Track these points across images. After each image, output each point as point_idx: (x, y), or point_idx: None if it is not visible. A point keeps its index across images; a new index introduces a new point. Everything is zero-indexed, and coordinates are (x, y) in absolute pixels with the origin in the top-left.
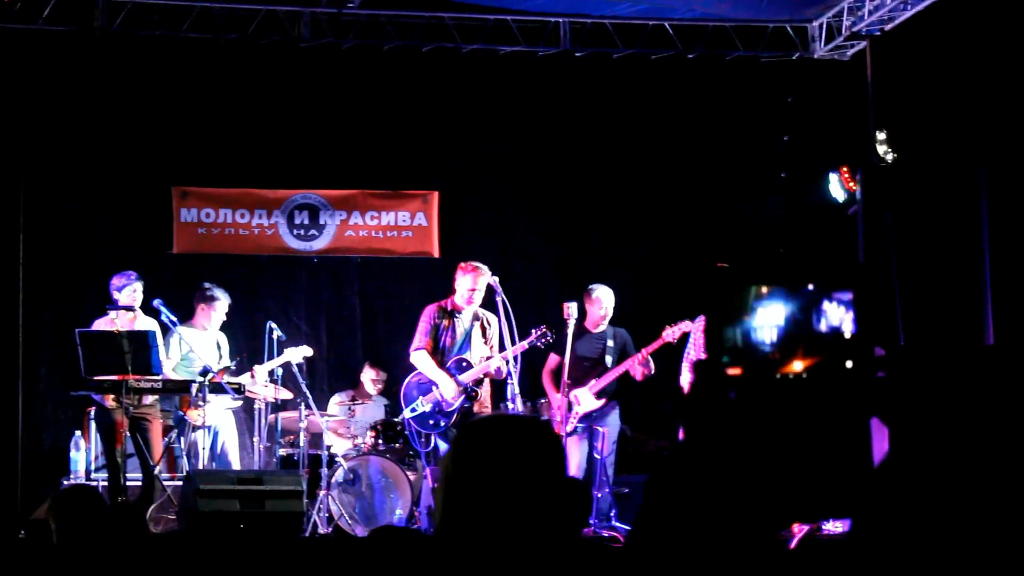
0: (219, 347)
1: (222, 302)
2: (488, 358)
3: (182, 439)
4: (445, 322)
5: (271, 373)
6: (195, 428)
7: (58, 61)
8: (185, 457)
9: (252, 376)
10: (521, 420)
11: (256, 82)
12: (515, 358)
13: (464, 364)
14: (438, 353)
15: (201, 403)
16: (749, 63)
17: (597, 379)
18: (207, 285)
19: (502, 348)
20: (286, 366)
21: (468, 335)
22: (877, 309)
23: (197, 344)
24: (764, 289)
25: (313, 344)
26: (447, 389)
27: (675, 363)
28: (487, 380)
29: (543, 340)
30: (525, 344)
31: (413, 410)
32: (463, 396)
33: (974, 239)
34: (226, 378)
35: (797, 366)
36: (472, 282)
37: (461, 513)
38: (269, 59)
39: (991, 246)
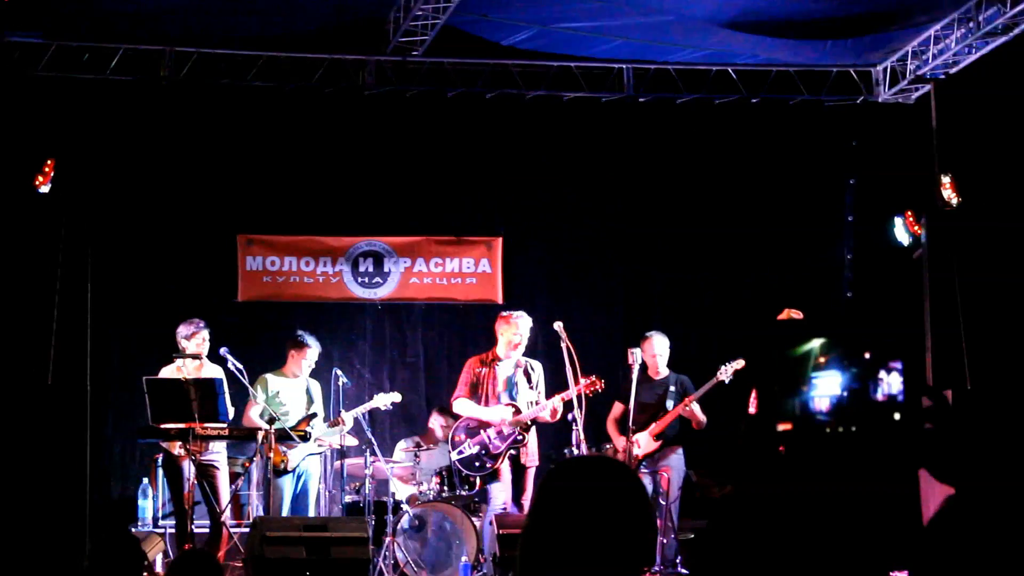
0: (309, 394)
1: (313, 349)
2: (537, 403)
3: (265, 483)
4: (485, 371)
5: (355, 420)
6: (280, 473)
7: (126, 111)
8: (265, 502)
9: (341, 422)
10: (607, 462)
11: (321, 130)
12: (580, 404)
13: (514, 410)
14: (480, 401)
15: (284, 448)
16: (813, 107)
17: (655, 422)
18: (300, 332)
19: (549, 394)
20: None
21: (512, 382)
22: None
23: (285, 391)
24: (822, 359)
25: (376, 391)
26: (498, 415)
27: (740, 407)
28: (533, 428)
29: (591, 389)
30: (575, 392)
31: (460, 452)
32: (513, 432)
33: None
34: (313, 425)
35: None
36: (517, 328)
37: (541, 553)
38: (334, 107)
39: None
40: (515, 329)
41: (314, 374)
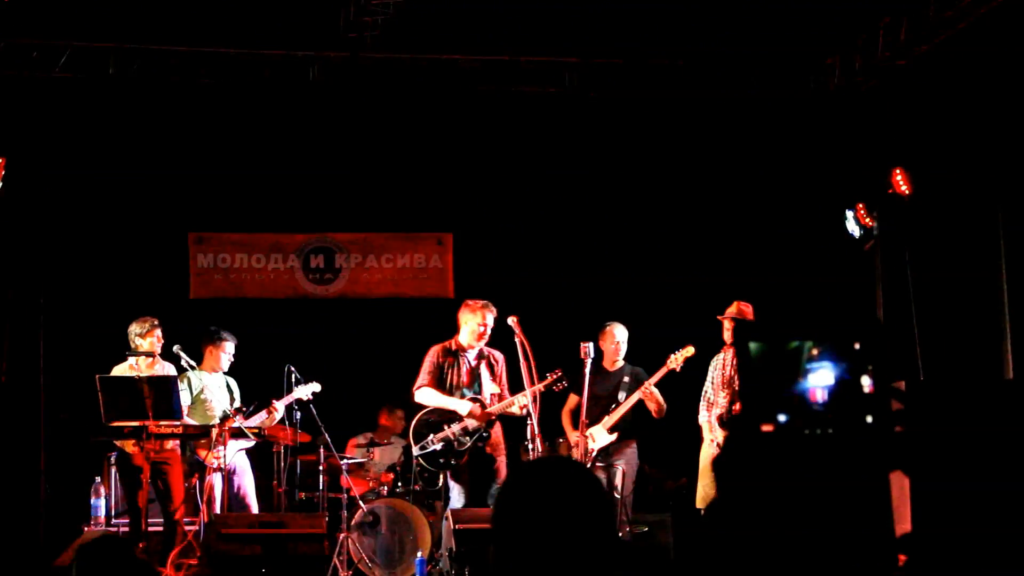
0: (230, 390)
1: (229, 343)
2: (500, 396)
3: (203, 482)
4: (449, 360)
5: (290, 416)
6: (212, 471)
7: (75, 109)
8: (204, 500)
9: (272, 411)
10: (570, 465)
11: (271, 126)
12: (534, 398)
13: (478, 403)
14: (444, 392)
15: (221, 446)
16: (763, 98)
17: (609, 414)
18: (213, 328)
19: (513, 385)
20: (303, 409)
21: (477, 374)
22: (896, 354)
23: (209, 387)
24: (815, 351)
25: (330, 387)
26: (464, 409)
27: (694, 400)
28: (497, 421)
29: (559, 384)
30: (541, 387)
31: (423, 448)
32: (479, 427)
33: (992, 273)
34: (238, 420)
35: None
36: (482, 318)
37: (511, 554)
38: (283, 103)
39: (1010, 279)
40: (479, 319)
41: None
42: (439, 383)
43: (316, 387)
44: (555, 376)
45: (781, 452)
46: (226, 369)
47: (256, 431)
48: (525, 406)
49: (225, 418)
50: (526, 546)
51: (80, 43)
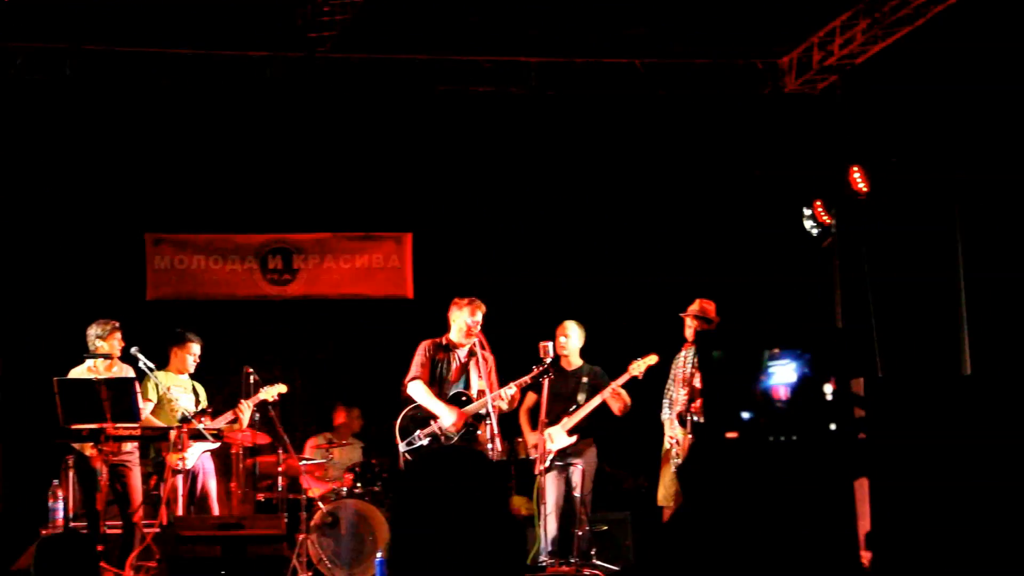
0: (196, 392)
1: (195, 344)
2: (484, 392)
3: (161, 485)
4: (440, 355)
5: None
6: (175, 472)
7: (31, 111)
8: (165, 502)
9: (239, 412)
10: (466, 452)
11: (227, 127)
12: (518, 391)
13: (463, 399)
14: (434, 386)
15: (180, 447)
16: (721, 99)
17: (569, 416)
18: (179, 330)
19: (503, 382)
20: (263, 410)
21: (466, 369)
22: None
23: (175, 389)
24: (776, 348)
25: (289, 388)
26: (448, 418)
27: (653, 400)
28: (495, 415)
29: (546, 375)
30: (527, 379)
31: (409, 444)
32: (465, 428)
33: (949, 269)
34: (204, 423)
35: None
36: (471, 313)
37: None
38: (241, 104)
39: (967, 276)
40: (466, 316)
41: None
42: (430, 376)
43: (282, 388)
44: (542, 368)
45: (746, 459)
46: (192, 371)
47: (215, 432)
48: (515, 398)
49: (184, 421)
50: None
51: (36, 45)
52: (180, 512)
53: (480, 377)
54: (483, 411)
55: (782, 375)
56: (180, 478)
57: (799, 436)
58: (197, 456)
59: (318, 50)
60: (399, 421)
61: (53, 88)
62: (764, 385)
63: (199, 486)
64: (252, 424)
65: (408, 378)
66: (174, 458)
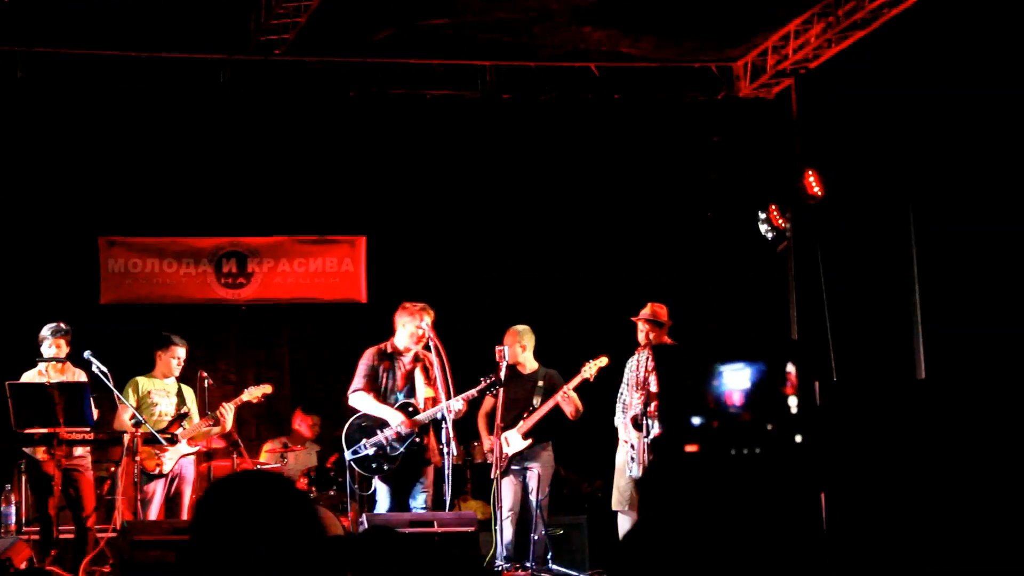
0: (181, 395)
1: (179, 347)
2: (434, 400)
3: (137, 485)
4: (384, 364)
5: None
6: (152, 477)
7: None
8: (140, 504)
9: (221, 414)
10: (267, 477)
11: (181, 130)
12: (468, 401)
13: (410, 408)
14: (379, 396)
15: (158, 452)
16: (675, 103)
17: (525, 419)
18: (164, 334)
19: (444, 390)
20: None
21: (411, 378)
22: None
23: (156, 393)
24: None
25: (241, 391)
26: (395, 419)
27: (607, 403)
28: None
29: (495, 388)
30: (475, 391)
31: (355, 452)
32: (411, 433)
33: (904, 273)
34: (184, 427)
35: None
36: (420, 320)
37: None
38: (194, 107)
39: (920, 279)
40: (418, 321)
41: (181, 376)
42: (374, 386)
43: (267, 389)
44: (490, 380)
45: (707, 472)
46: (177, 374)
47: (168, 437)
48: (461, 411)
49: (137, 425)
50: (221, 555)
51: None
52: (153, 515)
53: (428, 384)
54: (429, 420)
55: (735, 380)
56: (160, 483)
57: (762, 448)
58: (175, 460)
59: (272, 53)
60: (346, 430)
61: (5, 90)
62: (717, 389)
63: (172, 490)
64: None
65: (351, 389)
66: (151, 462)
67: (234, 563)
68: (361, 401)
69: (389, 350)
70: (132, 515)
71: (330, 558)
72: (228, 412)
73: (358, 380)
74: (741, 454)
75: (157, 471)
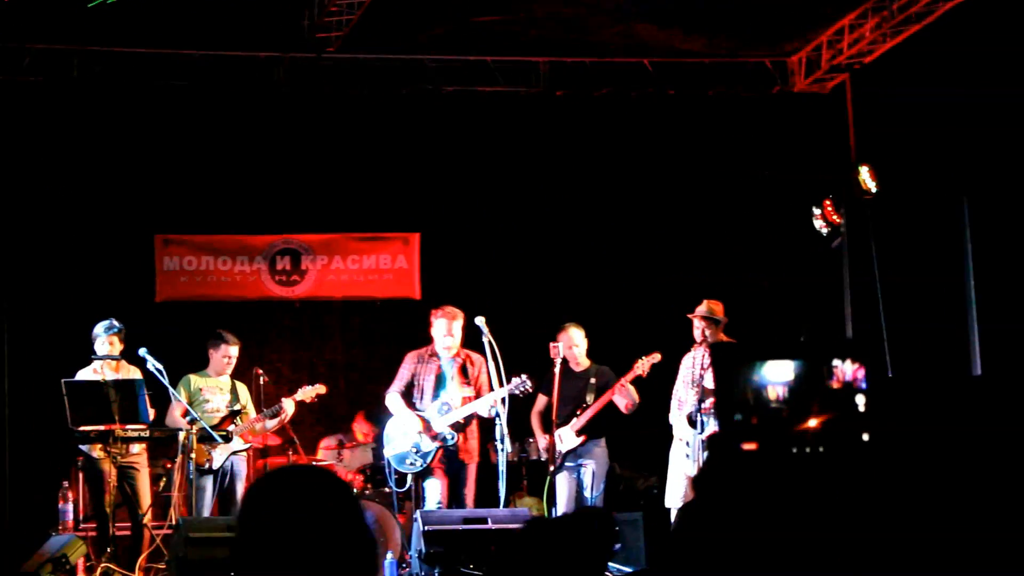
0: (235, 392)
1: (231, 345)
2: (471, 399)
3: (187, 485)
4: (421, 367)
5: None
6: (204, 473)
7: (38, 111)
8: (188, 503)
9: (282, 412)
10: (312, 471)
11: (236, 128)
12: (503, 399)
13: (445, 408)
14: (418, 397)
15: (208, 447)
16: (729, 99)
17: (578, 416)
18: (218, 330)
19: (491, 387)
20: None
21: (443, 379)
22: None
23: (208, 390)
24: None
25: (296, 389)
26: (413, 427)
27: (662, 400)
28: (475, 421)
29: (521, 388)
30: (504, 391)
31: (393, 449)
32: (436, 437)
33: (959, 268)
34: (237, 423)
35: (812, 423)
36: (445, 327)
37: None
38: (249, 105)
39: (976, 274)
40: (440, 327)
41: (235, 373)
42: (408, 389)
43: (321, 389)
44: (520, 380)
45: (767, 471)
46: (229, 372)
47: (222, 434)
48: (494, 405)
49: (192, 422)
50: (268, 550)
51: (43, 46)
52: (207, 513)
53: (467, 384)
54: (463, 420)
55: (776, 373)
56: (210, 479)
57: (826, 447)
58: (225, 457)
59: (326, 51)
60: (385, 428)
61: (61, 89)
62: (757, 384)
63: (227, 487)
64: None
65: (387, 391)
66: (202, 457)
67: (279, 556)
68: (390, 401)
69: (428, 353)
70: (188, 512)
71: (370, 554)
72: (289, 405)
73: (395, 383)
74: (801, 453)
75: (207, 466)
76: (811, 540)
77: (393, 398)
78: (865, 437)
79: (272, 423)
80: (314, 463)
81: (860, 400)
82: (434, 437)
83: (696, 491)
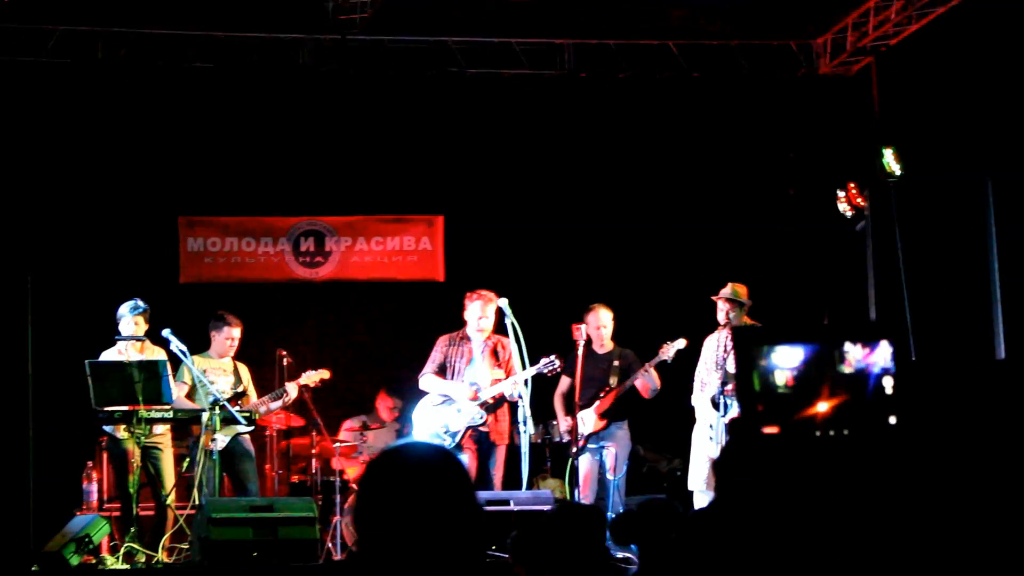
0: (238, 374)
1: (231, 327)
2: (499, 380)
3: (196, 467)
4: (453, 349)
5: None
6: (206, 454)
7: (62, 93)
8: (198, 485)
9: (286, 396)
10: (428, 448)
11: (260, 109)
12: (525, 381)
13: (474, 387)
14: (450, 380)
15: (211, 431)
16: (755, 81)
17: (601, 399)
18: (220, 312)
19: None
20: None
21: (473, 361)
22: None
23: (211, 372)
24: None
25: (331, 373)
26: (461, 393)
27: (685, 382)
28: (505, 403)
29: (549, 368)
30: (532, 371)
31: (422, 430)
32: (475, 411)
33: (982, 251)
34: (240, 405)
35: (822, 407)
36: (479, 310)
37: (372, 541)
38: (273, 86)
39: (1000, 257)
40: (475, 311)
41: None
42: (440, 371)
43: (325, 374)
44: (548, 360)
45: (788, 454)
46: (231, 354)
47: (247, 415)
48: (517, 385)
49: (215, 403)
50: (387, 527)
51: (68, 27)
52: (215, 495)
53: (497, 366)
54: (492, 402)
55: (784, 360)
56: (216, 460)
57: (850, 430)
58: (229, 439)
59: (350, 32)
60: (415, 412)
61: (86, 70)
62: (766, 369)
63: (235, 469)
64: (285, 406)
65: (420, 374)
66: (207, 440)
67: (395, 536)
68: (427, 382)
69: (459, 337)
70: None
71: (483, 535)
72: (292, 391)
73: (428, 365)
74: (825, 436)
75: (212, 448)
76: (835, 534)
77: (428, 378)
78: (892, 420)
79: (275, 405)
80: (338, 444)
81: (888, 383)
82: (465, 417)
83: (717, 475)
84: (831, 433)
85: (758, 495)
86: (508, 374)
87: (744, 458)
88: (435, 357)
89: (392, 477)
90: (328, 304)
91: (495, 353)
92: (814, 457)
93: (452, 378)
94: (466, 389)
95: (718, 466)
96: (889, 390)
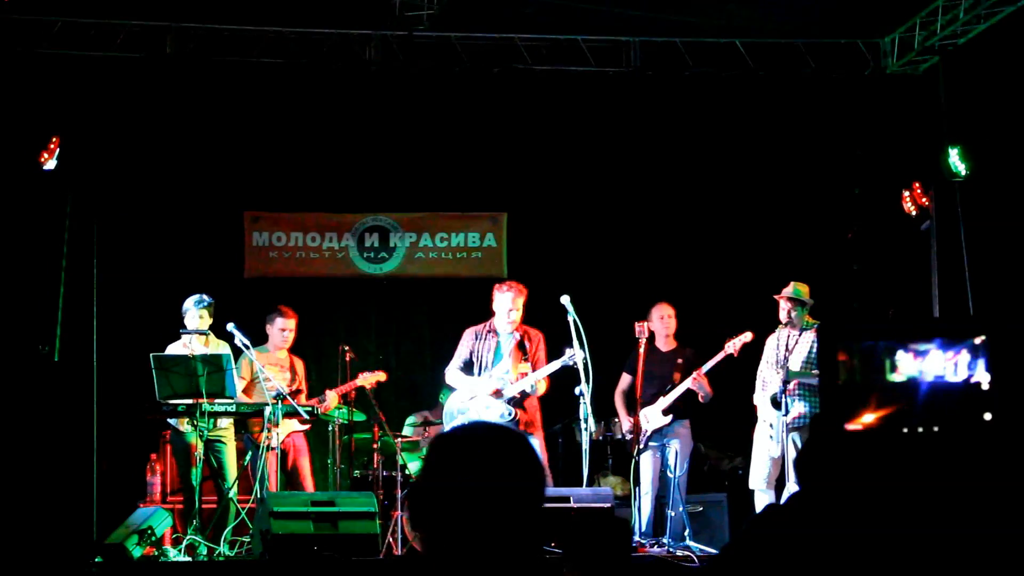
0: (293, 369)
1: (285, 319)
2: (525, 375)
3: (258, 460)
4: (480, 343)
5: (344, 396)
6: (266, 449)
7: (132, 87)
8: (257, 479)
9: (323, 401)
10: (494, 429)
11: (327, 105)
12: (587, 379)
13: (498, 384)
14: (477, 374)
15: (274, 425)
16: (821, 79)
17: (663, 396)
18: (277, 305)
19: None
20: (359, 388)
21: (499, 354)
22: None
23: (268, 366)
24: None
25: (383, 366)
26: (483, 388)
27: (748, 380)
28: (534, 397)
29: (572, 361)
30: (557, 364)
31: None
32: (502, 408)
33: None
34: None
35: (906, 405)
36: (510, 302)
37: (434, 523)
38: (340, 82)
39: None
40: (503, 302)
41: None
42: (467, 365)
43: (381, 376)
44: (572, 352)
45: (873, 452)
46: (286, 346)
47: (309, 410)
48: (536, 384)
49: (279, 397)
50: (447, 519)
51: (137, 22)
52: (273, 489)
53: (524, 360)
54: (519, 396)
55: (930, 365)
56: (271, 455)
57: (940, 427)
58: (286, 434)
59: (416, 28)
60: (446, 406)
61: (155, 65)
62: (913, 378)
63: (289, 463)
64: (348, 402)
65: (447, 368)
66: (264, 435)
67: (458, 515)
68: (452, 377)
69: (485, 330)
70: (276, 487)
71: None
72: (332, 397)
73: (454, 359)
74: (913, 433)
75: (266, 444)
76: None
77: (454, 373)
78: (987, 416)
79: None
80: (400, 439)
81: (985, 378)
82: (494, 410)
83: (799, 474)
84: (920, 430)
85: (842, 494)
86: (535, 367)
87: (827, 456)
88: (461, 352)
89: (459, 460)
90: (391, 300)
91: (521, 345)
92: (902, 455)
93: (479, 372)
94: (488, 386)
95: (799, 463)
96: (985, 386)
